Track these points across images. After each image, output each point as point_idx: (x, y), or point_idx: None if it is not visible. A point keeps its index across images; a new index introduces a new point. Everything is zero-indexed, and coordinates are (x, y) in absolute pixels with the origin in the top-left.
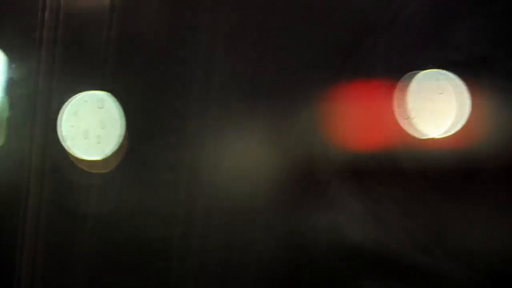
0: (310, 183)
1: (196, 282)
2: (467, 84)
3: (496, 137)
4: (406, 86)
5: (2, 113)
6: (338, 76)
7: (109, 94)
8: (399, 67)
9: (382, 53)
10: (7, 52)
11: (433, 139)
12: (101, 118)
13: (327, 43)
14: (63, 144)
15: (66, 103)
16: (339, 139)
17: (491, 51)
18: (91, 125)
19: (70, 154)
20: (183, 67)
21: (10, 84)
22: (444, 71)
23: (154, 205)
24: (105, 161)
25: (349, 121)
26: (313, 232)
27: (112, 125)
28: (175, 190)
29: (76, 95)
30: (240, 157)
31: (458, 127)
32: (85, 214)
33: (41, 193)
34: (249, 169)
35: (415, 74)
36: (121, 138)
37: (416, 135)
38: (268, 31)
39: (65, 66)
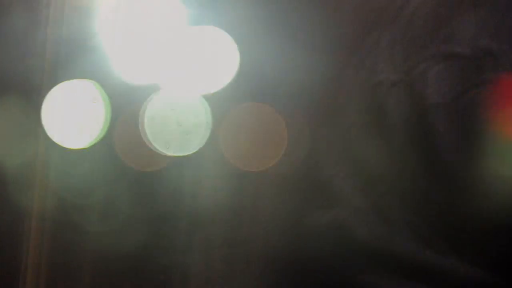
0: None
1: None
2: None
3: None
4: None
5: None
6: None
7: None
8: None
9: None
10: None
11: None
12: (184, 115)
13: None
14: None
15: (149, 99)
16: None
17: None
18: (173, 122)
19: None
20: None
21: None
22: None
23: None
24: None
25: None
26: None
27: (195, 122)
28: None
29: (159, 93)
30: None
31: None
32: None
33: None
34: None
35: None
36: (206, 135)
37: None
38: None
39: None
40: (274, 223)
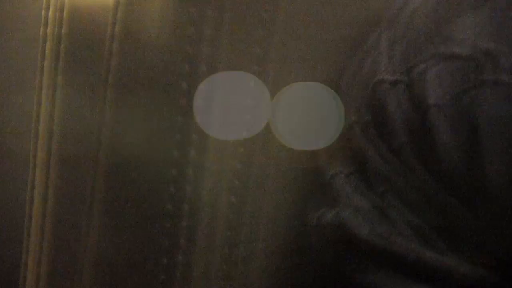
0: None
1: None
2: None
3: None
4: None
5: None
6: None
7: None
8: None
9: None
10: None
11: None
12: (314, 108)
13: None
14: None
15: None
16: None
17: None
18: (305, 116)
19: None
20: None
21: None
22: None
23: None
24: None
25: None
26: None
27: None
28: None
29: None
30: None
31: None
32: None
33: None
34: None
35: None
36: (340, 129)
37: None
38: None
39: None
40: (275, 223)
